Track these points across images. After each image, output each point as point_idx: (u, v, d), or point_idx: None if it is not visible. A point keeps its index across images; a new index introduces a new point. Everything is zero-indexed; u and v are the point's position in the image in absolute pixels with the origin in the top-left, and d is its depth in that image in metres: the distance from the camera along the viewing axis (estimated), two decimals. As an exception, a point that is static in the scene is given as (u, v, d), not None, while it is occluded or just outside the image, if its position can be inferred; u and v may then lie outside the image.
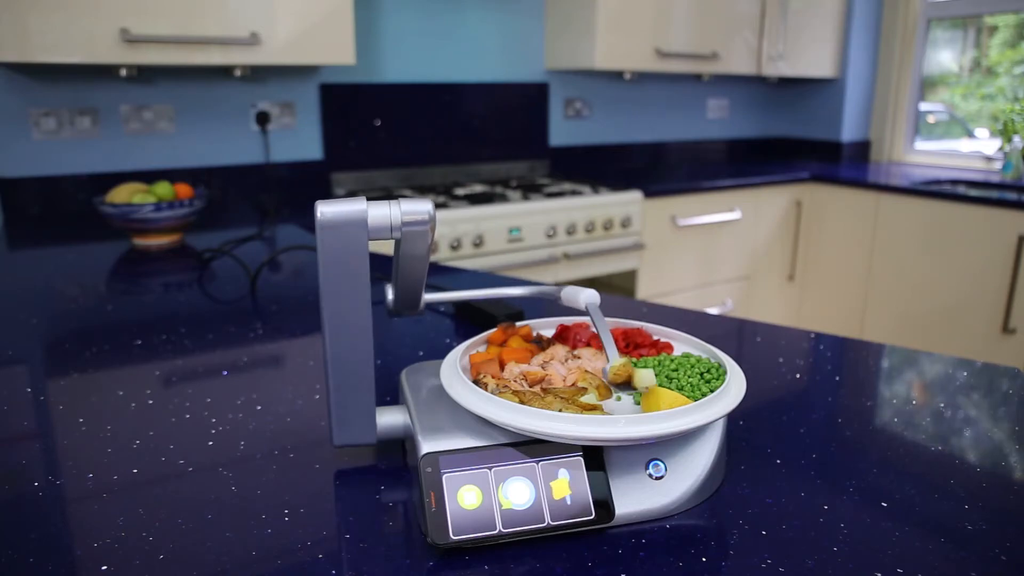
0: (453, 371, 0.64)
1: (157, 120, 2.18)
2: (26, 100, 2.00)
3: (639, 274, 2.56)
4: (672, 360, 0.69)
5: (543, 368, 0.68)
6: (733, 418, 0.77)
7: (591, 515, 0.57)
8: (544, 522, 0.56)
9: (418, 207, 0.59)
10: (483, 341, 0.73)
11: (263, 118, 2.33)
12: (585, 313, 0.66)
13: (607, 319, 0.77)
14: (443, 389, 0.63)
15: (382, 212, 0.58)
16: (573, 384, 0.65)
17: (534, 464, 0.58)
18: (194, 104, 2.23)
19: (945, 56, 3.34)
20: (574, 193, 2.40)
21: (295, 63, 2.02)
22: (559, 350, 0.71)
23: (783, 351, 0.98)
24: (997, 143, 3.04)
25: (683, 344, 0.75)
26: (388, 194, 2.36)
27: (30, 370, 0.94)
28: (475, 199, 2.27)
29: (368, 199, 0.59)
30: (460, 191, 2.46)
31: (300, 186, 2.43)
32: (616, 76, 3.03)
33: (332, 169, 2.49)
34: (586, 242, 2.38)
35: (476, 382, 0.65)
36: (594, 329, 0.63)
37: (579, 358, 0.70)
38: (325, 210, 0.57)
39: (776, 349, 0.99)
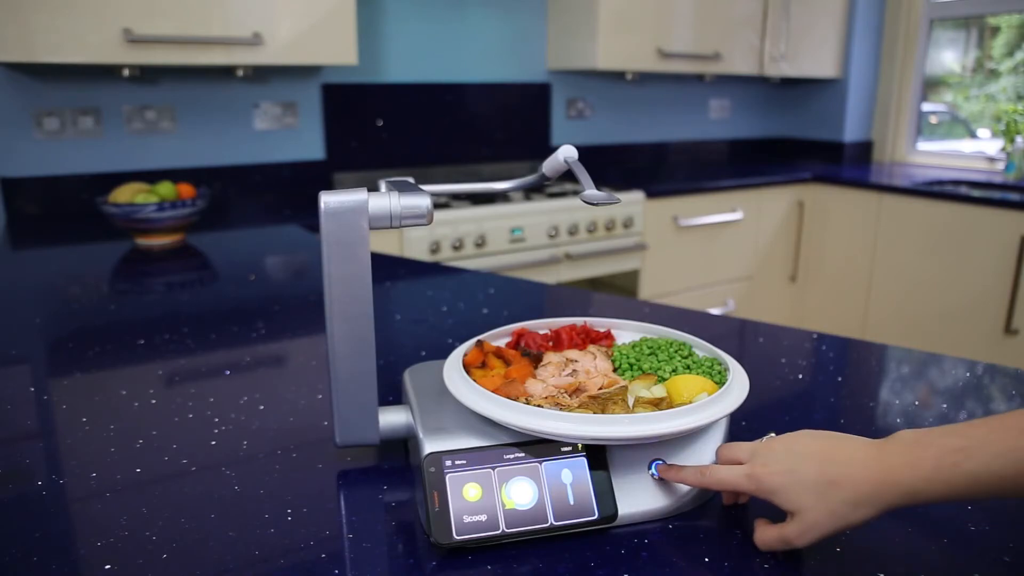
0: (456, 371, 0.64)
1: (159, 120, 2.18)
2: (29, 100, 2.00)
3: (641, 274, 2.56)
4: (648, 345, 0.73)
5: (573, 376, 0.67)
6: (735, 418, 0.77)
7: (594, 515, 0.57)
8: (547, 522, 0.56)
9: (417, 200, 0.60)
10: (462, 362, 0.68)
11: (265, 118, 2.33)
12: (569, 172, 0.66)
13: (603, 320, 0.78)
14: (446, 389, 0.63)
15: (382, 202, 0.60)
16: (609, 385, 0.65)
17: (537, 464, 0.58)
18: (196, 104, 2.23)
19: (948, 56, 3.34)
20: (576, 193, 2.40)
21: (297, 63, 2.02)
22: (553, 357, 0.71)
23: (785, 351, 0.98)
24: (1000, 143, 3.04)
25: (627, 332, 0.78)
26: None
27: (33, 369, 0.94)
28: (477, 199, 2.27)
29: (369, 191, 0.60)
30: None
31: (302, 186, 2.43)
32: (618, 76, 3.03)
33: (334, 169, 2.49)
34: (588, 242, 2.38)
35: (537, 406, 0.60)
36: (577, 174, 0.64)
37: (577, 361, 0.70)
38: (329, 199, 0.59)
39: (778, 349, 0.99)
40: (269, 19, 1.95)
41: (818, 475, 0.51)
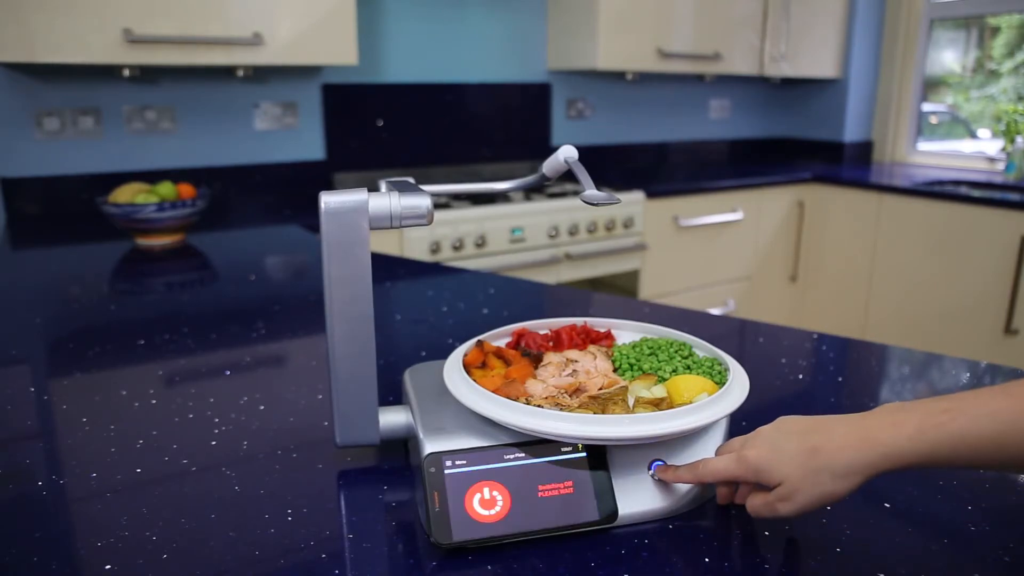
0: (456, 371, 0.64)
1: (160, 120, 2.18)
2: (29, 100, 2.00)
3: (641, 274, 2.56)
4: (647, 345, 0.73)
5: (573, 376, 0.67)
6: (735, 419, 0.77)
7: (594, 515, 0.57)
8: (547, 522, 0.56)
9: (417, 200, 0.60)
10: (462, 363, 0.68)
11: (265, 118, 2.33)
12: (570, 173, 0.66)
13: (603, 320, 0.78)
14: (446, 389, 0.63)
15: (382, 202, 0.60)
16: (609, 385, 0.65)
17: (537, 464, 0.58)
18: (196, 104, 2.23)
19: (948, 56, 3.34)
20: (576, 193, 2.40)
21: (297, 63, 2.02)
22: (553, 357, 0.71)
23: (785, 351, 0.98)
24: (1000, 144, 3.04)
25: (627, 332, 0.78)
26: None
27: (33, 370, 0.94)
28: (477, 199, 2.27)
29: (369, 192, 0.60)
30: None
31: (302, 186, 2.43)
32: (618, 76, 3.03)
33: (334, 169, 2.49)
34: (588, 242, 2.38)
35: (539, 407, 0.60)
36: (577, 175, 0.64)
37: (577, 361, 0.70)
38: (329, 200, 0.59)
39: (778, 349, 0.99)
40: (269, 19, 1.95)
41: (800, 445, 0.52)
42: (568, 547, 0.56)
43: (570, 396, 0.63)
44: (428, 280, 1.37)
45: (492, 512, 0.56)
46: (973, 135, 3.37)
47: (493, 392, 0.60)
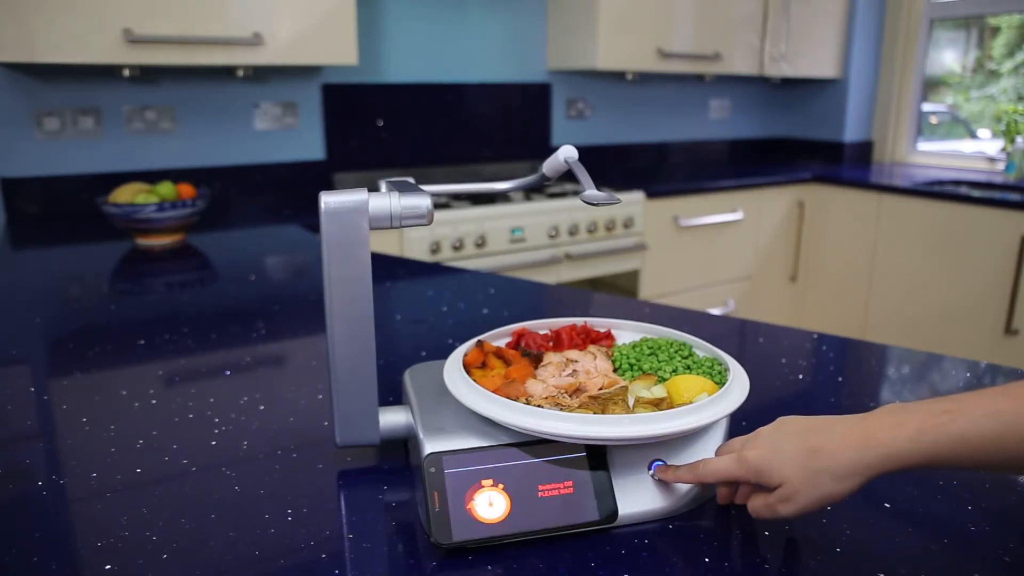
0: (456, 371, 0.64)
1: (160, 120, 2.18)
2: (29, 100, 2.00)
3: (641, 274, 2.56)
4: (647, 345, 0.73)
5: (573, 376, 0.67)
6: (735, 419, 0.77)
7: (595, 515, 0.57)
8: (547, 522, 0.56)
9: (417, 201, 0.60)
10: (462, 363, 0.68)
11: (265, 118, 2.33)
12: (571, 174, 0.66)
13: (606, 320, 0.77)
14: (446, 389, 0.63)
15: (382, 202, 0.60)
16: (609, 385, 0.65)
17: (538, 464, 0.58)
18: (196, 104, 2.23)
19: (948, 56, 3.34)
20: (576, 193, 2.40)
21: (297, 63, 2.02)
22: (553, 357, 0.71)
23: (785, 351, 0.98)
24: (1000, 144, 3.04)
25: (627, 332, 0.78)
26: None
27: (33, 370, 0.94)
28: (477, 199, 2.27)
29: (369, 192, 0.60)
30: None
31: (302, 186, 2.43)
32: (618, 76, 3.03)
33: (334, 169, 2.49)
34: (588, 242, 2.38)
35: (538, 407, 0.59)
36: (577, 175, 0.64)
37: (577, 361, 0.70)
38: (329, 200, 0.59)
39: (778, 349, 0.99)
40: (269, 19, 1.95)
41: (800, 445, 0.52)
42: (568, 547, 0.56)
43: (570, 396, 0.63)
44: (428, 280, 1.37)
45: (492, 512, 0.56)
46: (973, 135, 3.37)
47: (493, 392, 0.60)
